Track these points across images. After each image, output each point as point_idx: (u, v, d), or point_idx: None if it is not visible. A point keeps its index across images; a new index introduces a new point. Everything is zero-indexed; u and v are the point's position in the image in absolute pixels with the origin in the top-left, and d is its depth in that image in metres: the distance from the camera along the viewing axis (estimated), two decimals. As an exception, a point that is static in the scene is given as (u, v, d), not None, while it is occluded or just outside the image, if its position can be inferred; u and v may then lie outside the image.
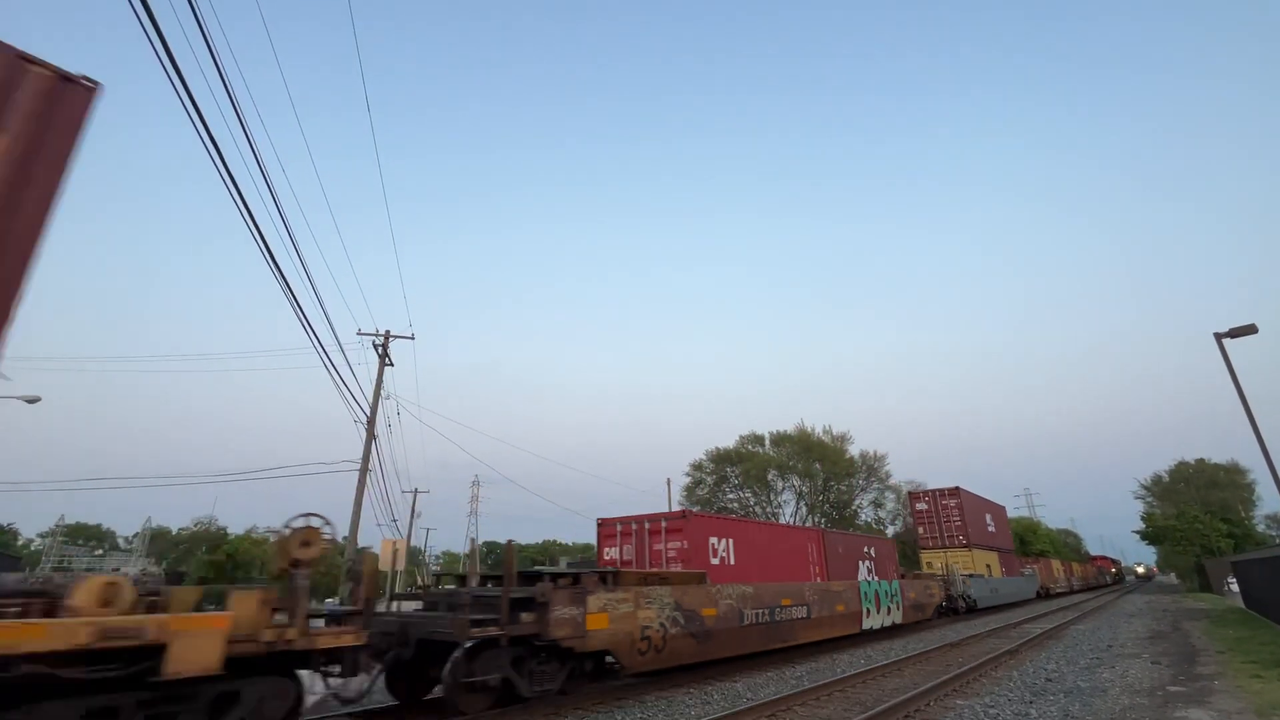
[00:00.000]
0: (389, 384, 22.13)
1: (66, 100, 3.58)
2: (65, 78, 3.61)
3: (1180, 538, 50.63)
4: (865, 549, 18.95)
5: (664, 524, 13.04)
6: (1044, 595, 37.85)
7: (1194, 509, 52.27)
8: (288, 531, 5.98)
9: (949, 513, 31.54)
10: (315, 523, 6.12)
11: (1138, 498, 65.91)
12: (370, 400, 21.06)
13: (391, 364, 22.28)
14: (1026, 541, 64.13)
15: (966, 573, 27.66)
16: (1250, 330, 14.35)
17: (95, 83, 3.76)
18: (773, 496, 47.67)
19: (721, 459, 48.73)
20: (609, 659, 9.86)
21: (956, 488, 32.26)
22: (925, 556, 31.19)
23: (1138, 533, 56.98)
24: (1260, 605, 21.54)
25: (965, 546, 30.60)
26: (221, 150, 7.57)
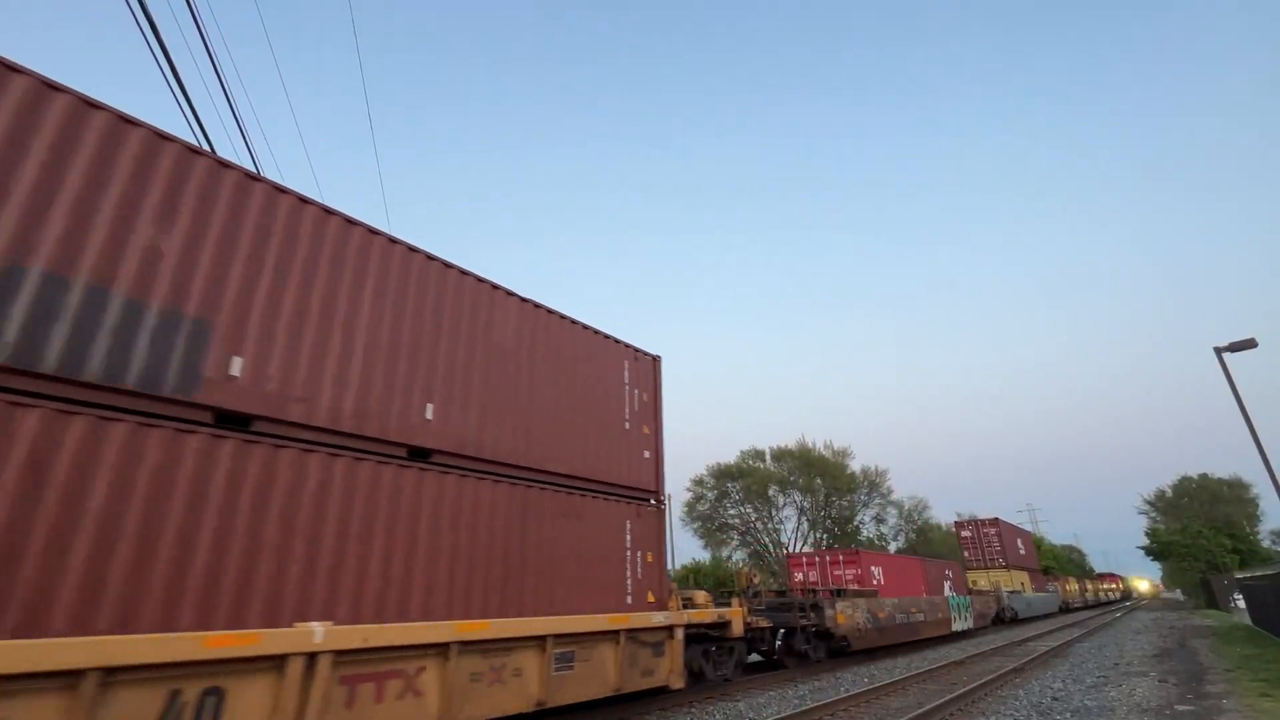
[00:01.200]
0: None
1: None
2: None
3: (1185, 553, 50.22)
4: (946, 571, 24.66)
5: (841, 557, 19.66)
6: (1064, 609, 42.14)
7: (1198, 524, 51.90)
8: (744, 567, 13.33)
9: (989, 539, 35.94)
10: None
11: (1141, 513, 65.56)
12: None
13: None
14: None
15: (1008, 589, 31.92)
16: (1250, 345, 14.36)
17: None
18: (774, 512, 47.35)
19: (722, 474, 48.45)
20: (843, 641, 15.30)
21: (995, 519, 36.85)
22: (971, 575, 34.09)
23: (1142, 548, 56.56)
24: (1267, 622, 21.30)
25: (1005, 568, 34.73)
26: (205, 128, 7.64)
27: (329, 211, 6.60)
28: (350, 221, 6.76)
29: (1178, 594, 75.29)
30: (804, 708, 8.97)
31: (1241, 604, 28.77)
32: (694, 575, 37.42)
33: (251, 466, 5.39)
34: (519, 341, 8.42)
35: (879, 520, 51.52)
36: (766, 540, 46.85)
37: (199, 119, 7.13)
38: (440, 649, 5.95)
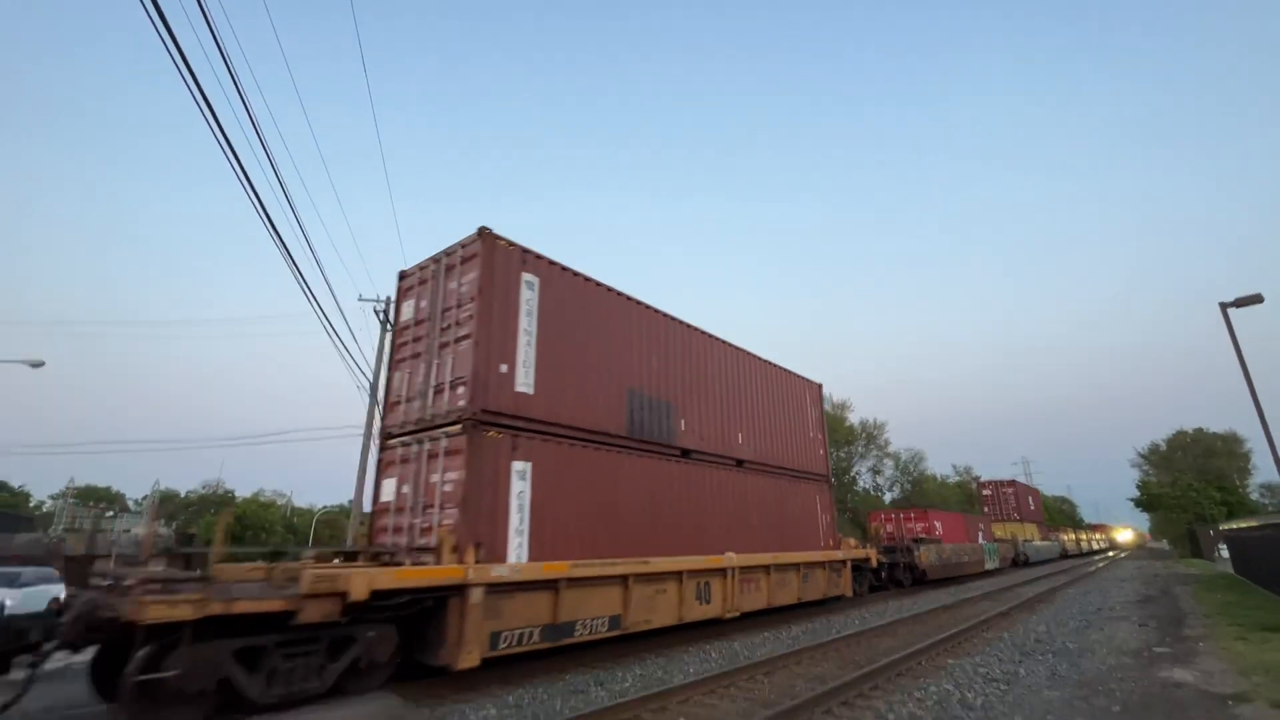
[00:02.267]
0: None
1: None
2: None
3: (1174, 505, 51.25)
4: (980, 525, 31.88)
5: (913, 514, 26.62)
6: (1063, 555, 49.58)
7: (1189, 477, 52.76)
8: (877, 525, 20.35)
9: (1006, 497, 42.34)
10: None
11: (1134, 466, 66.53)
12: (373, 365, 21.14)
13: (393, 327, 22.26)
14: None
15: (1023, 539, 38.64)
16: (1256, 300, 14.25)
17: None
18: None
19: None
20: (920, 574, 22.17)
21: (1013, 480, 43.84)
22: (993, 526, 38.30)
23: (1133, 500, 57.69)
24: (1249, 571, 21.94)
25: (1019, 521, 40.68)
26: (215, 110, 7.44)
27: (702, 331, 12.95)
28: (710, 336, 13.22)
29: (1164, 544, 77.29)
30: (900, 617, 13.15)
31: (1225, 554, 29.58)
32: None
33: (690, 473, 11.74)
34: (757, 383, 14.57)
35: (875, 472, 52.47)
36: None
37: (193, 73, 6.89)
38: (766, 569, 12.80)
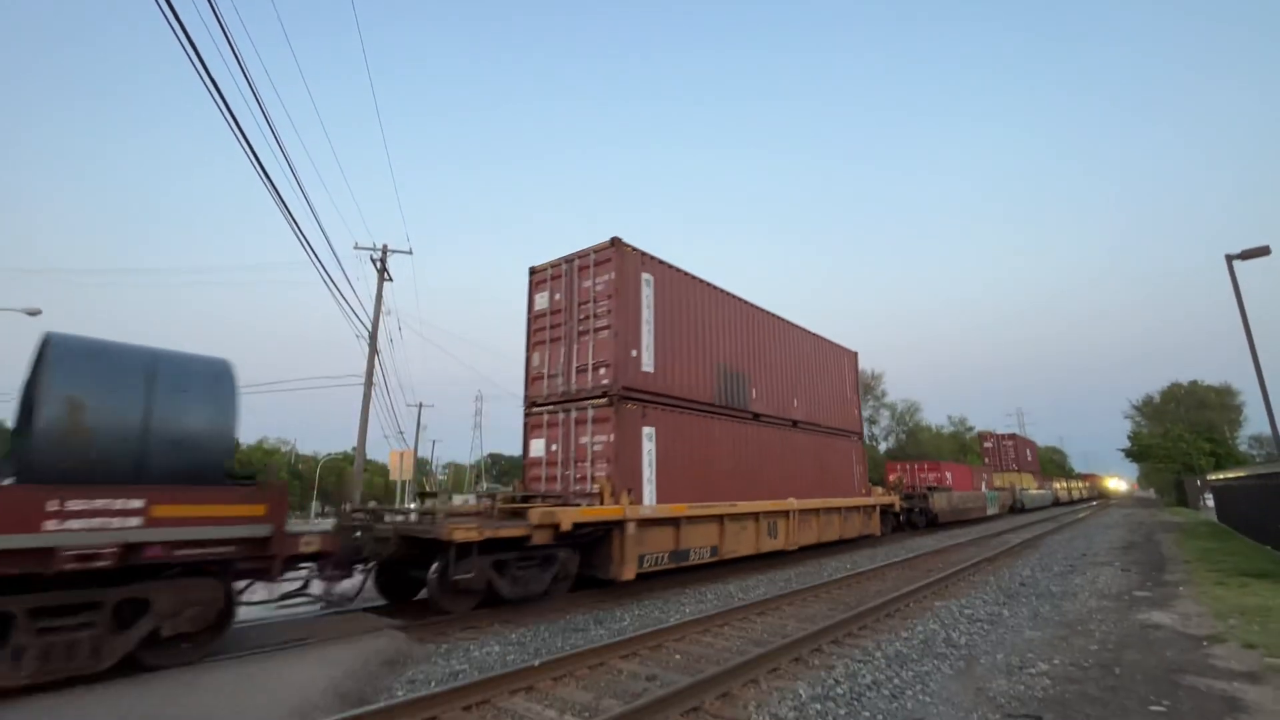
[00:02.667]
0: (390, 299, 22.07)
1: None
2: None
3: (1163, 456, 52.16)
4: (983, 475, 34.82)
5: (926, 465, 29.65)
6: (1055, 503, 52.16)
7: (1180, 428, 53.49)
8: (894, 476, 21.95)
9: (1006, 449, 45.56)
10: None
11: (1127, 417, 67.32)
12: (371, 314, 21.06)
13: (390, 279, 22.08)
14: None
15: (1020, 487, 41.36)
16: (1263, 252, 14.08)
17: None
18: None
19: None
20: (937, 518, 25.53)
21: (1013, 434, 47.69)
22: (994, 476, 41.16)
23: (1123, 450, 58.66)
24: (1231, 519, 22.52)
25: (1017, 471, 43.47)
26: (201, 54, 7.14)
27: (765, 311, 14.90)
28: (771, 314, 15.19)
29: (1150, 493, 79.11)
30: (890, 561, 13.31)
31: (1210, 503, 30.31)
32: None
33: (759, 433, 13.68)
34: (808, 355, 16.74)
35: (871, 421, 53.11)
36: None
37: (177, 14, 6.54)
38: (817, 511, 15.18)
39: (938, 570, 12.52)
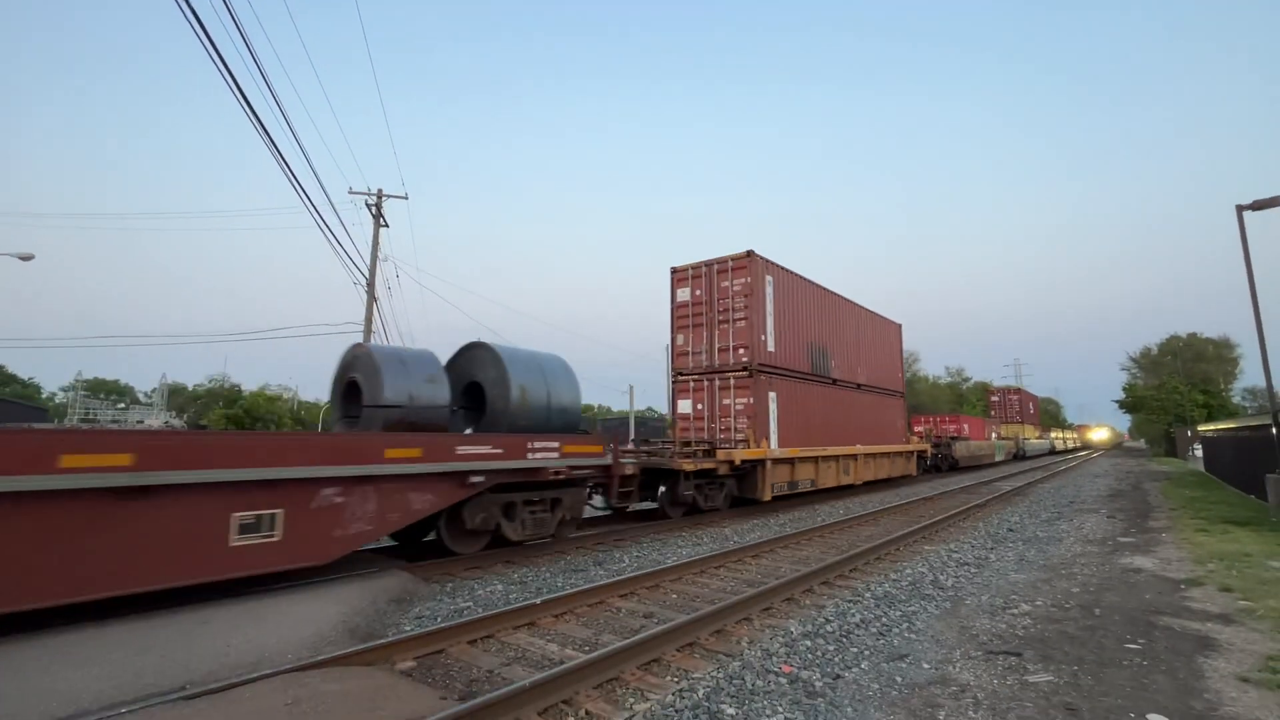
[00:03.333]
0: (387, 246, 21.77)
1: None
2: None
3: (1157, 407, 52.72)
4: (992, 426, 40.90)
5: (948, 417, 36.07)
6: (1053, 451, 57.45)
7: (1174, 380, 53.84)
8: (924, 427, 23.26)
9: (1011, 403, 50.33)
10: None
11: (1124, 369, 67.64)
12: (368, 261, 20.83)
13: (386, 224, 21.72)
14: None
15: (1023, 437, 46.95)
16: (1276, 202, 13.80)
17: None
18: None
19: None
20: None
21: (1019, 388, 53.62)
22: (1000, 428, 45.56)
23: (1117, 402, 59.25)
24: (1218, 469, 22.97)
25: (1020, 423, 48.92)
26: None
27: (840, 295, 18.48)
28: (842, 298, 18.70)
29: (1141, 443, 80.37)
30: (885, 507, 13.56)
31: (1199, 453, 30.85)
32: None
33: (836, 394, 17.59)
34: (867, 329, 20.40)
35: (870, 372, 53.37)
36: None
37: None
38: (874, 455, 19.29)
39: (929, 516, 12.85)
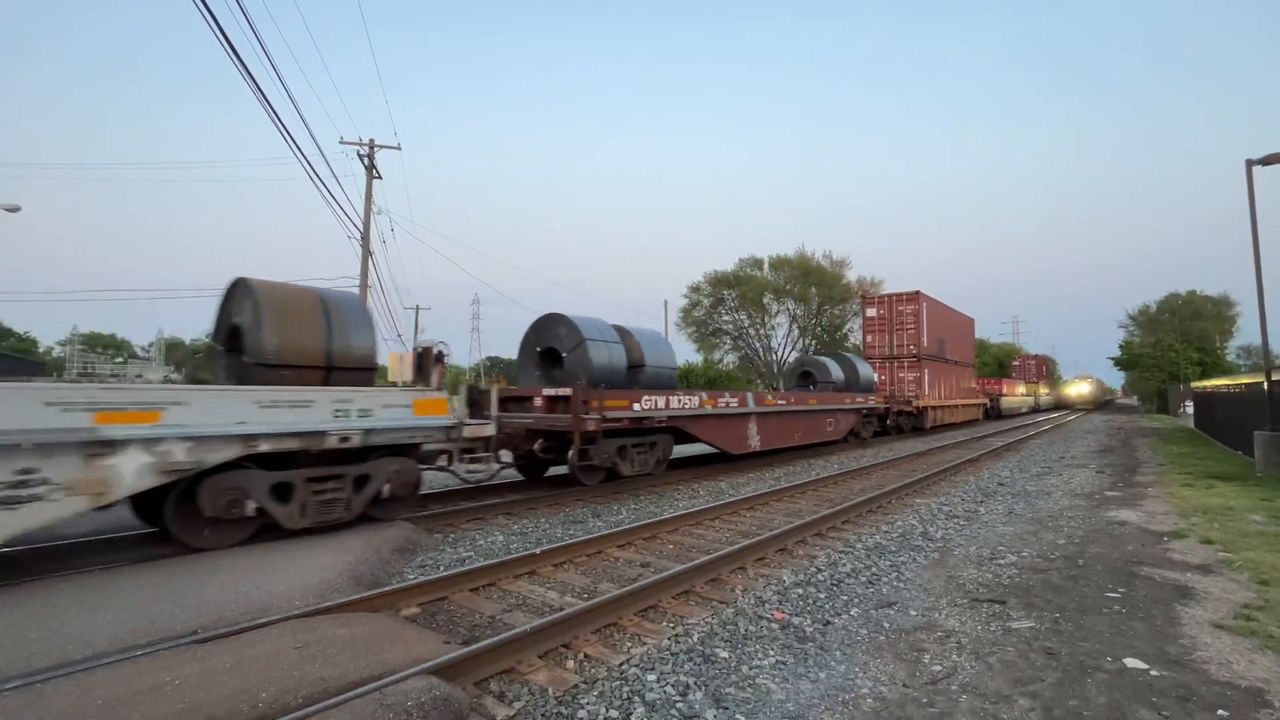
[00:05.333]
0: (381, 199, 21.37)
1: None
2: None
3: (1152, 365, 53.07)
4: (1017, 386, 47.79)
5: (994, 380, 44.27)
6: (1057, 406, 63.40)
7: (1170, 338, 54.03)
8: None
9: (1030, 366, 62.11)
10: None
11: (1121, 326, 67.76)
12: (361, 214, 20.48)
13: (379, 176, 21.27)
14: (1004, 365, 68.34)
15: (1040, 394, 55.10)
16: (1286, 157, 13.53)
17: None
18: (766, 319, 48.79)
19: (719, 282, 48.88)
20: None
21: (1037, 355, 65.03)
22: (1018, 386, 52.73)
23: (1113, 359, 59.58)
24: (1207, 426, 23.30)
25: (1037, 383, 57.44)
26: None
27: (947, 306, 29.36)
28: (947, 306, 29.48)
29: (1134, 400, 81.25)
30: (875, 462, 12.70)
31: (1190, 410, 31.23)
32: (687, 376, 39.73)
33: (947, 368, 28.31)
34: (960, 325, 31.70)
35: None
36: (757, 345, 48.94)
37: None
38: (963, 405, 30.91)
39: (921, 470, 13.09)
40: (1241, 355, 70.42)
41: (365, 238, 20.29)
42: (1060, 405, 63.62)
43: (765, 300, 48.01)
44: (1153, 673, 3.72)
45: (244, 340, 6.92)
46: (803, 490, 10.58)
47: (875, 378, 20.73)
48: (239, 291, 7.28)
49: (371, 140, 21.09)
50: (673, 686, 3.55)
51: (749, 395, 13.57)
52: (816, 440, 16.48)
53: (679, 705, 3.35)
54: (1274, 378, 12.77)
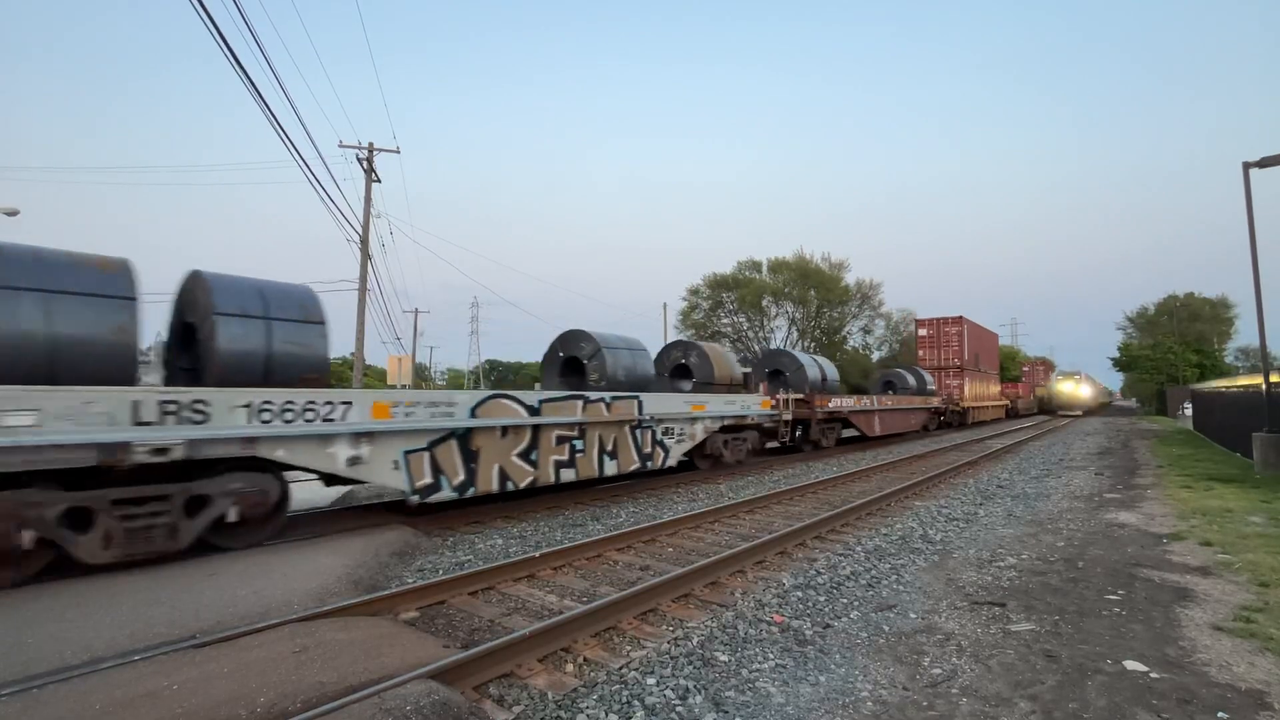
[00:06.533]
0: (380, 203, 21.38)
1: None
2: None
3: (1150, 366, 53.12)
4: (1029, 389, 51.54)
5: (1014, 384, 50.01)
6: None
7: (1169, 340, 54.09)
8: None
9: (1038, 370, 61.69)
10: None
11: (1119, 328, 67.80)
12: (360, 217, 20.49)
13: (379, 179, 21.29)
14: (1005, 368, 68.65)
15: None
16: (1283, 160, 13.56)
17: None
18: (765, 322, 48.82)
19: (718, 285, 48.92)
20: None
21: (1044, 359, 66.97)
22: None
23: (1112, 360, 59.65)
24: (1207, 428, 23.32)
25: (1045, 385, 58.99)
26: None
27: (979, 325, 35.61)
28: (980, 325, 35.88)
29: (1133, 402, 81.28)
30: (876, 464, 12.88)
31: (1189, 412, 31.26)
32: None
33: (981, 375, 34.80)
34: (988, 339, 38.73)
35: (866, 331, 53.43)
36: (756, 348, 48.96)
37: None
38: (991, 405, 37.94)
39: (920, 472, 13.09)
40: (1240, 357, 70.48)
41: (364, 241, 20.30)
42: (1045, 409, 55.10)
43: (764, 303, 48.06)
44: (1153, 675, 3.71)
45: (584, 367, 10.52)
46: (802, 493, 10.57)
47: (934, 384, 28.27)
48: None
49: (370, 144, 21.11)
50: (672, 690, 3.54)
51: (875, 399, 20.68)
52: (907, 429, 23.56)
53: (679, 709, 3.34)
54: (1272, 379, 12.79)
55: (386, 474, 7.12)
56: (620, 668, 3.85)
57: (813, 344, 48.16)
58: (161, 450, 5.52)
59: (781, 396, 14.73)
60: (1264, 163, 13.74)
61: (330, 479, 7.19)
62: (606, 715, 3.29)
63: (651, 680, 3.66)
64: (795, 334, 48.74)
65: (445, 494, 7.65)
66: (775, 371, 18.02)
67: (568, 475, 9.15)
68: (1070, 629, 4.47)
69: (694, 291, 49.39)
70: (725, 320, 49.54)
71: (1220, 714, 3.25)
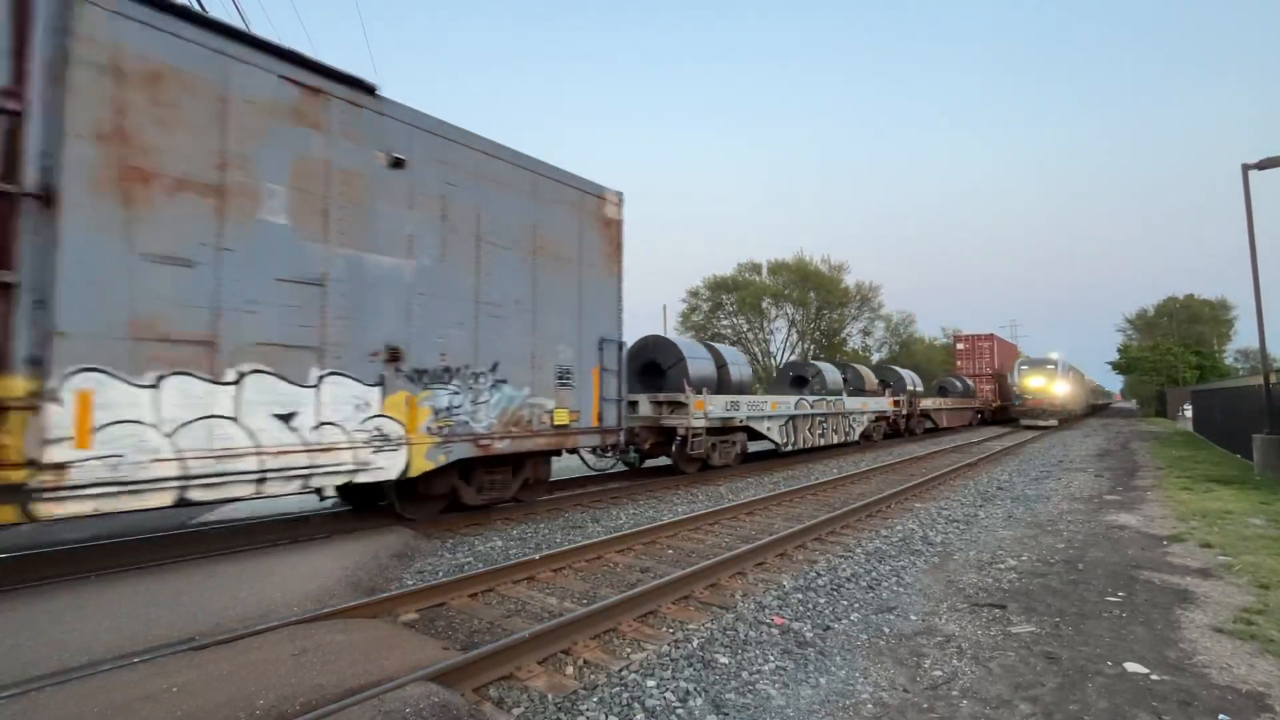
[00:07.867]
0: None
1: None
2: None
3: (1149, 368, 53.19)
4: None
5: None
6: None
7: (1169, 342, 54.15)
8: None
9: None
10: None
11: (1119, 330, 67.95)
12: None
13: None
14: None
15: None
16: (1281, 162, 13.59)
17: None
18: (765, 324, 48.87)
19: (718, 287, 48.97)
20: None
21: (1053, 357, 72.28)
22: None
23: (1111, 363, 59.70)
24: (1206, 429, 23.32)
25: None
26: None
27: (1004, 339, 46.16)
28: (1004, 339, 45.91)
29: (1133, 404, 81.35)
30: (875, 466, 12.34)
31: (1188, 413, 31.27)
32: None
33: (1004, 379, 40.06)
34: (1008, 349, 44.83)
35: (865, 333, 53.50)
36: (756, 350, 48.97)
37: None
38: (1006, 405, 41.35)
39: (920, 474, 13.08)
40: (1239, 358, 70.52)
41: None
42: (1002, 416, 37.91)
43: (764, 305, 48.09)
44: (1153, 677, 3.71)
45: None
46: (802, 495, 10.56)
47: (975, 388, 34.05)
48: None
49: (370, 145, 21.08)
50: (673, 692, 3.54)
51: (943, 400, 28.83)
52: (961, 424, 31.11)
53: (679, 711, 3.34)
54: (1272, 381, 12.80)
55: (775, 434, 14.72)
56: (620, 670, 3.84)
57: (812, 346, 48.19)
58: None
59: (899, 399, 22.39)
60: (1264, 164, 13.77)
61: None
62: (607, 718, 3.28)
63: (652, 682, 3.65)
64: (795, 335, 48.77)
65: (788, 447, 15.31)
66: (883, 382, 24.77)
67: (820, 442, 16.88)
68: (1071, 631, 4.46)
69: (693, 293, 49.46)
70: (725, 322, 49.59)
71: (1221, 716, 3.25)
